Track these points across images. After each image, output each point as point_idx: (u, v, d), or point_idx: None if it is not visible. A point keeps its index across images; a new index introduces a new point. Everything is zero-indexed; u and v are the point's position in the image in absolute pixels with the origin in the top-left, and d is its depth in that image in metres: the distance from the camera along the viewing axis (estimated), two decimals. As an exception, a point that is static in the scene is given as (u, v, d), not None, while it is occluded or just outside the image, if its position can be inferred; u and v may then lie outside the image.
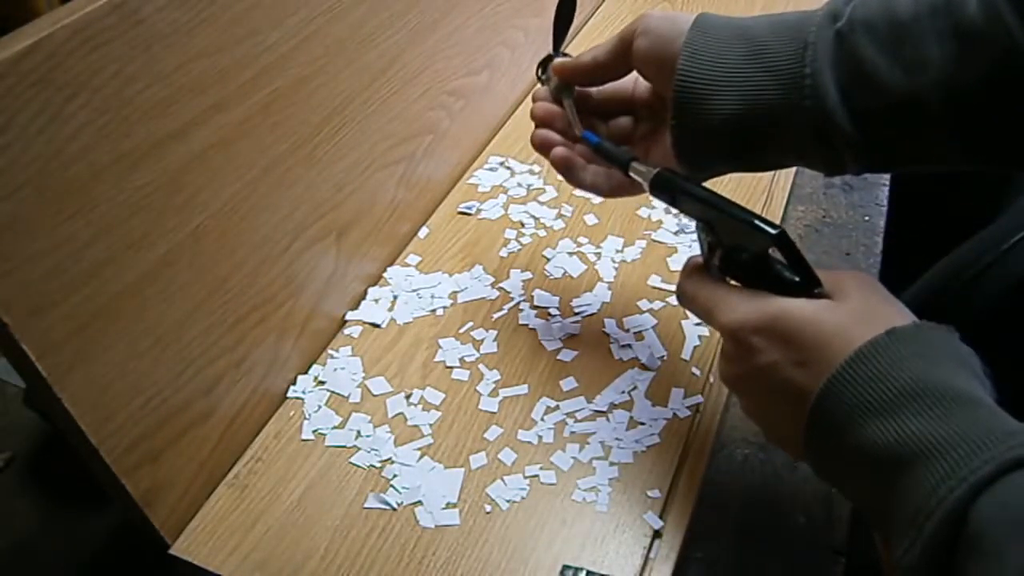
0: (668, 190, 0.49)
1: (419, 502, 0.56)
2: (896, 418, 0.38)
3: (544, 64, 0.59)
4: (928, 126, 0.45)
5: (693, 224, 0.49)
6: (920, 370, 0.39)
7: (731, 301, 0.45)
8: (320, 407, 0.62)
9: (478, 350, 0.66)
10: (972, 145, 0.45)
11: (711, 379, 0.63)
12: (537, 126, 0.58)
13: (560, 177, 0.58)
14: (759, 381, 0.44)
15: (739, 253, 0.46)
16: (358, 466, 0.58)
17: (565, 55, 0.58)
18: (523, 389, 0.63)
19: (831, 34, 0.46)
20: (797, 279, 0.44)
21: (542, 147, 0.57)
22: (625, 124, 0.57)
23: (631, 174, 0.51)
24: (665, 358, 0.64)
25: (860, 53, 0.45)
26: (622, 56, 0.53)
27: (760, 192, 0.78)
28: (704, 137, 0.49)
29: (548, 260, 0.73)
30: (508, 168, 0.83)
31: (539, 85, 0.59)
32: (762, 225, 0.44)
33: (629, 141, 0.57)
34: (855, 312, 0.42)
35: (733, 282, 0.47)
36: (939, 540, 0.35)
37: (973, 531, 0.34)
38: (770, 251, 0.44)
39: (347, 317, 0.69)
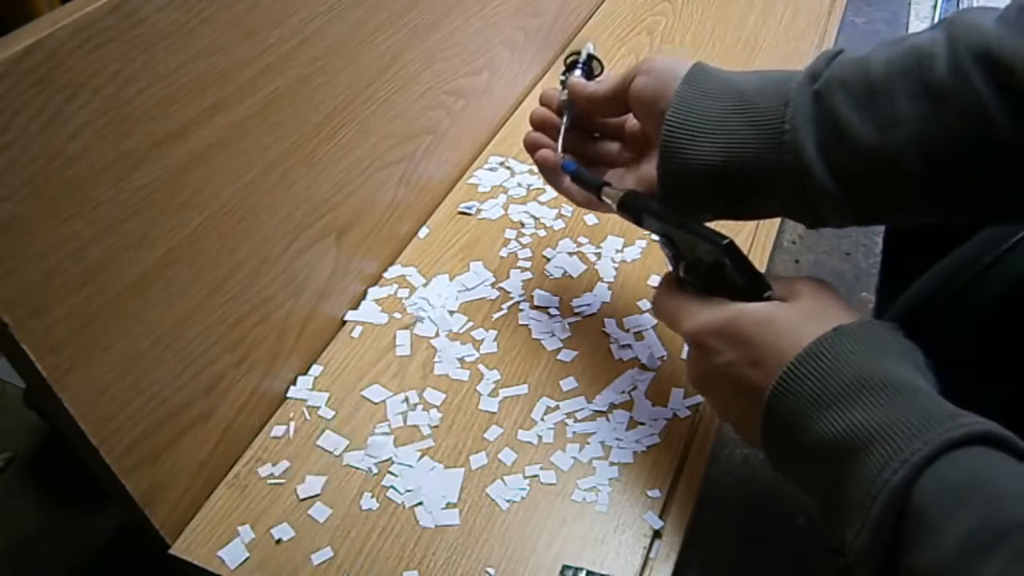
0: (632, 210, 0.53)
1: (419, 502, 0.56)
2: (843, 410, 0.40)
3: (571, 65, 0.62)
4: (902, 181, 0.46)
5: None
6: (865, 364, 0.41)
7: (691, 308, 0.49)
8: (320, 407, 0.62)
9: (478, 350, 0.66)
10: (945, 199, 0.47)
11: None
12: (533, 128, 0.62)
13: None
14: (719, 381, 0.47)
15: (698, 264, 0.49)
16: (358, 467, 0.58)
17: (594, 59, 0.62)
18: (523, 389, 0.63)
19: (810, 93, 0.48)
20: (748, 285, 0.47)
21: (531, 147, 0.61)
22: (612, 149, 0.61)
23: (603, 198, 0.55)
24: (665, 358, 0.64)
25: (836, 111, 0.46)
26: (622, 95, 0.55)
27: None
28: (687, 184, 0.51)
29: (548, 260, 0.73)
30: (508, 168, 0.83)
31: (558, 85, 0.62)
32: (711, 237, 0.48)
33: (613, 164, 0.60)
34: (804, 311, 0.45)
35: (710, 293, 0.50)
36: (885, 520, 0.37)
37: (916, 509, 0.36)
38: (725, 260, 0.47)
39: (347, 317, 0.69)
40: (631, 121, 0.59)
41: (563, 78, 0.61)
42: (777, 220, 0.76)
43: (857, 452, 0.39)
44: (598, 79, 0.61)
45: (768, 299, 0.47)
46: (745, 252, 0.48)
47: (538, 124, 0.61)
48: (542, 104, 0.62)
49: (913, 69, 0.45)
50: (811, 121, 0.47)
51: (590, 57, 0.62)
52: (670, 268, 0.53)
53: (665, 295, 0.52)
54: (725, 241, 0.47)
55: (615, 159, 0.60)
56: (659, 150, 0.52)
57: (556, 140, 0.60)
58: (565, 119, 0.60)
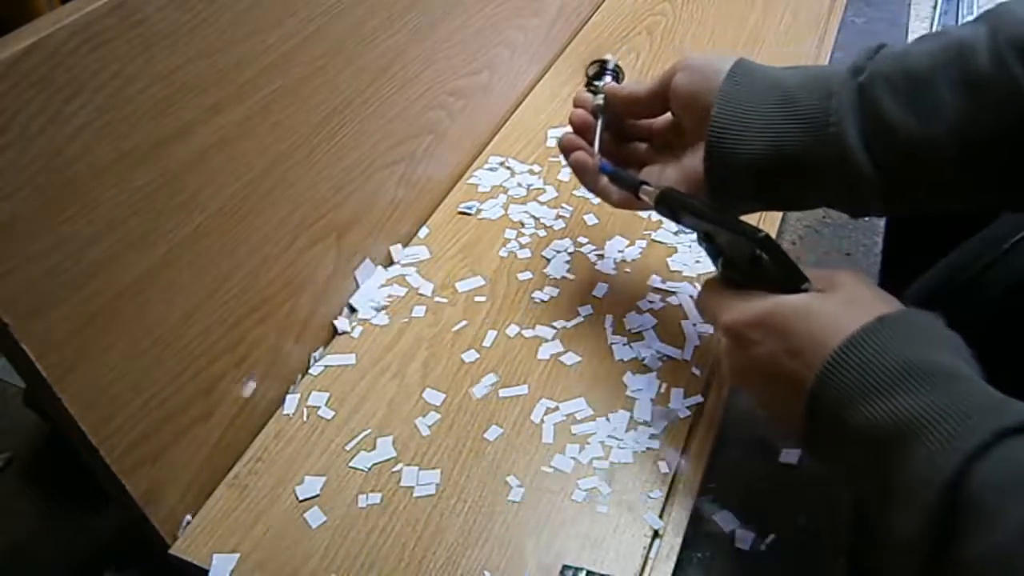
0: (670, 206, 0.54)
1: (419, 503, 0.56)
2: (888, 397, 0.40)
3: (599, 71, 0.67)
4: (943, 170, 0.48)
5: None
6: (908, 352, 0.41)
7: (730, 302, 0.49)
8: (320, 407, 0.62)
9: (478, 350, 0.66)
10: (985, 188, 0.49)
11: (711, 379, 0.63)
12: (574, 130, 0.63)
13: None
14: (758, 372, 0.47)
15: (736, 259, 0.50)
16: (357, 467, 0.58)
17: (619, 68, 0.67)
18: (523, 389, 0.63)
19: (854, 86, 0.50)
20: (785, 277, 0.48)
21: (567, 148, 0.62)
22: (640, 149, 0.63)
23: (641, 196, 0.57)
24: (665, 358, 0.64)
25: (879, 103, 0.48)
26: (660, 95, 0.58)
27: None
28: (734, 177, 0.53)
29: (548, 260, 0.73)
30: (508, 168, 0.83)
31: (584, 90, 0.64)
32: (747, 230, 0.48)
33: (642, 164, 0.62)
34: (843, 302, 0.45)
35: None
36: (938, 508, 0.37)
37: (971, 497, 0.36)
38: (761, 253, 0.48)
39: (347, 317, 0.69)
40: (658, 121, 0.61)
41: (594, 86, 0.64)
42: (777, 222, 0.76)
43: (905, 439, 0.39)
44: (635, 81, 0.64)
45: (806, 291, 0.47)
46: None
47: (579, 126, 0.63)
48: (576, 106, 0.63)
49: (955, 60, 0.47)
50: (855, 114, 0.49)
51: (617, 66, 0.67)
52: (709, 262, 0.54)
53: (705, 293, 0.53)
54: (761, 234, 0.48)
55: (644, 159, 0.62)
56: (706, 144, 0.53)
57: (590, 143, 0.62)
58: (599, 123, 0.62)
